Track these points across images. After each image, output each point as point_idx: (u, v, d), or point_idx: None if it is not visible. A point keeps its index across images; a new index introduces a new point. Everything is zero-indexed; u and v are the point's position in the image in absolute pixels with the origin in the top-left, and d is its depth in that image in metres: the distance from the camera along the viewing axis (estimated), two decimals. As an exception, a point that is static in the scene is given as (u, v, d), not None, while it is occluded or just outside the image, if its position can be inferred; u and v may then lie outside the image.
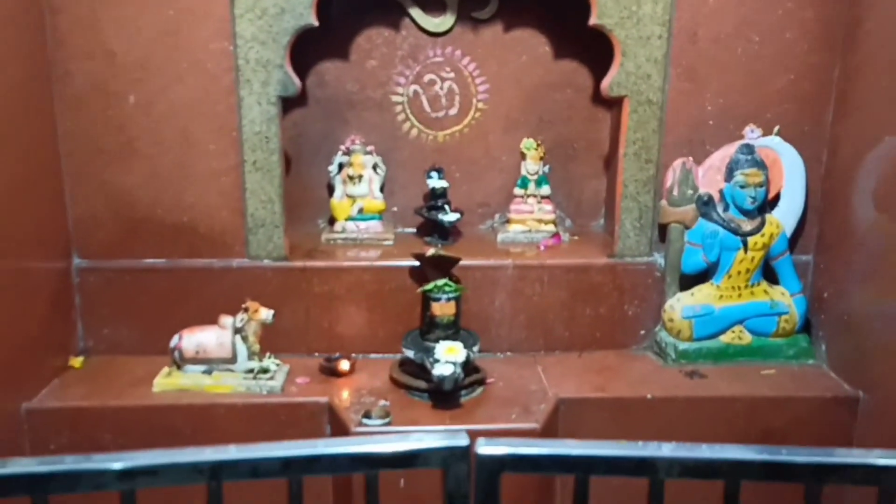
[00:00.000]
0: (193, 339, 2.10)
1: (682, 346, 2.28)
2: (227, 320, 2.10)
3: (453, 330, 2.15)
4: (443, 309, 2.12)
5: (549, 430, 2.00)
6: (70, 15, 2.08)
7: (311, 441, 0.91)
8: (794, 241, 2.34)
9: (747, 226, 2.24)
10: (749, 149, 2.20)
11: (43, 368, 2.12)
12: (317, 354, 2.28)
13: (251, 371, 2.11)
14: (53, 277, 2.18)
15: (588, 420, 2.10)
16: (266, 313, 2.10)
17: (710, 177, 2.27)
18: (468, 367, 2.07)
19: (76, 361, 2.23)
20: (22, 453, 1.98)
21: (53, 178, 2.16)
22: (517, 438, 0.99)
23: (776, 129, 2.26)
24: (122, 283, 2.25)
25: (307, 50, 2.38)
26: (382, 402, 2.05)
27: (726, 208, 2.25)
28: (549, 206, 2.56)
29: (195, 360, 2.10)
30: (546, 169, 2.56)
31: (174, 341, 2.10)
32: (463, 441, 0.99)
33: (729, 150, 2.25)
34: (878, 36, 2.05)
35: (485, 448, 0.99)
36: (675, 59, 2.21)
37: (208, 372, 2.11)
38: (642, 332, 2.39)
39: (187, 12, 2.09)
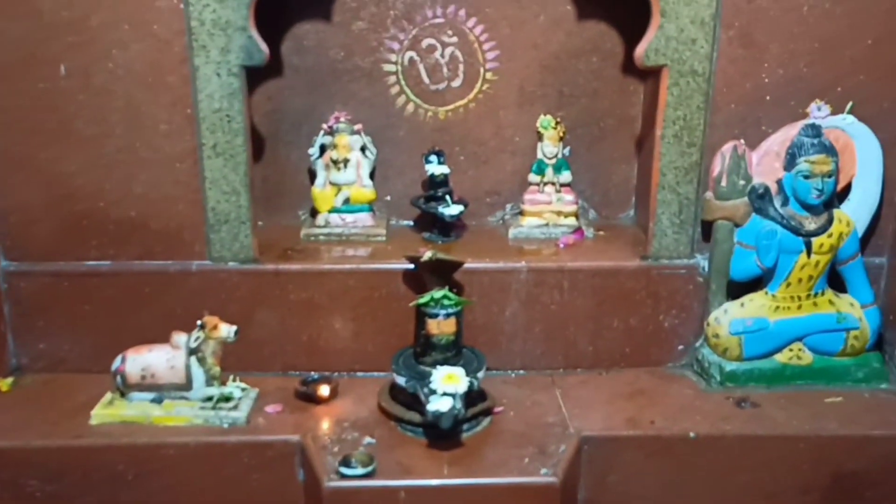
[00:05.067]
0: (139, 361, 1.79)
1: (730, 366, 2.00)
2: (179, 338, 1.79)
3: (454, 352, 1.83)
4: (440, 327, 1.81)
5: (570, 481, 1.68)
6: (-16, -35, 1.76)
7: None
8: (865, 242, 2.07)
9: (811, 224, 1.98)
10: (815, 130, 1.94)
11: (-39, 394, 1.84)
12: (294, 373, 2.02)
13: (210, 399, 1.81)
14: (-25, 284, 1.89)
15: (618, 463, 1.78)
16: (227, 330, 1.79)
17: (766, 164, 2.01)
18: (472, 395, 1.76)
19: (4, 384, 1.94)
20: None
21: (-25, 165, 1.86)
22: None
23: (849, 105, 1.99)
24: (61, 289, 1.99)
25: (281, 9, 2.11)
26: (367, 440, 1.74)
27: (786, 202, 1.99)
28: (569, 196, 2.27)
29: (141, 387, 1.79)
30: (566, 152, 2.28)
31: (116, 363, 1.79)
32: None
33: (790, 132, 1.98)
34: None
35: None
36: (727, 21, 1.91)
37: (158, 401, 1.80)
38: (680, 347, 2.11)
39: (128, -38, 1.78)
